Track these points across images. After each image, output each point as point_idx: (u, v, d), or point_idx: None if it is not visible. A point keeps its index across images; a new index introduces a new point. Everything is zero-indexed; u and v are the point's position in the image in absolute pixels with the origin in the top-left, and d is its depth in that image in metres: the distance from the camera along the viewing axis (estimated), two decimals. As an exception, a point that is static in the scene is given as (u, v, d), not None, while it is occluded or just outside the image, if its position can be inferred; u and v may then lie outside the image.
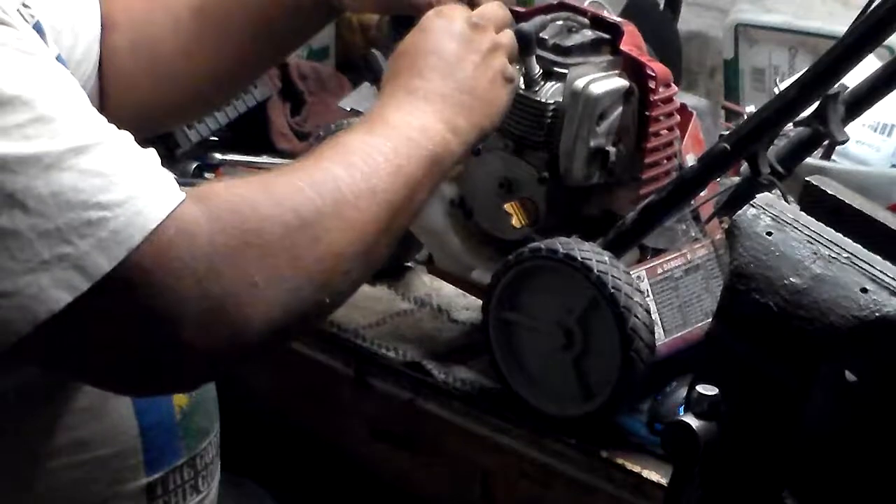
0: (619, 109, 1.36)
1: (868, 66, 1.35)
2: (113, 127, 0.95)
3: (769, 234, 0.99)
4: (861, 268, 0.96)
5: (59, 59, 1.09)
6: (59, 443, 1.09)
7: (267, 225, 0.96)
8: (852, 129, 1.39)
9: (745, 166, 1.33)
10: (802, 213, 1.02)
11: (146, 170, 0.93)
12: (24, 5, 1.04)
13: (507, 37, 1.26)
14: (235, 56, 1.30)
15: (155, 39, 1.30)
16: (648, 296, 1.34)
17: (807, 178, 1.10)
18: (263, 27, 1.30)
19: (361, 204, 1.02)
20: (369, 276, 1.06)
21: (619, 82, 1.36)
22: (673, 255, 1.39)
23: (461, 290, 1.52)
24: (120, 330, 0.92)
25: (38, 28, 1.05)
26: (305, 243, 0.97)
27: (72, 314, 0.90)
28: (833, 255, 0.97)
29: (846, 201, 1.07)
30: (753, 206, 1.01)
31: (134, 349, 0.93)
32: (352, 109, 1.61)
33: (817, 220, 1.01)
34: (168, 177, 0.94)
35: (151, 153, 0.96)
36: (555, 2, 1.42)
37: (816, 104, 1.29)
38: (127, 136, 0.95)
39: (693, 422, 0.97)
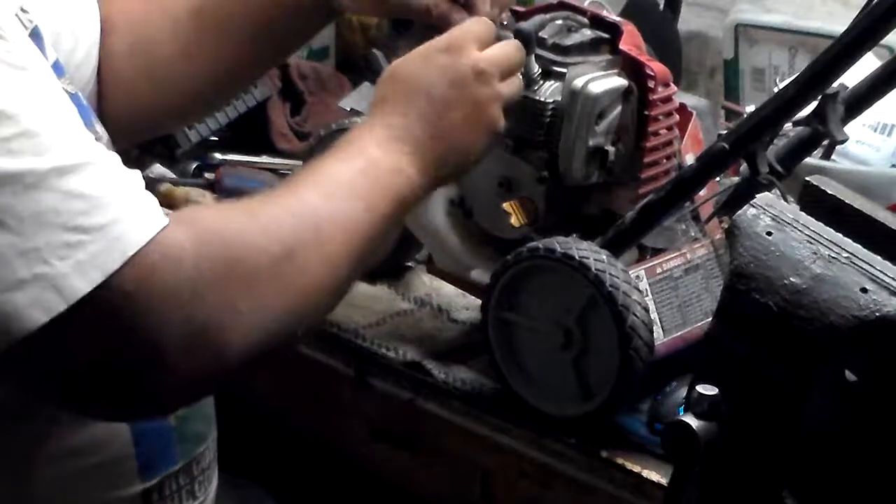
0: (619, 109, 1.36)
1: (868, 66, 1.35)
2: (100, 147, 0.95)
3: (769, 234, 0.99)
4: (861, 268, 0.96)
5: (57, 63, 1.09)
6: (51, 451, 1.09)
7: (253, 253, 0.96)
8: (852, 128, 1.39)
9: (744, 166, 1.33)
10: (802, 213, 1.02)
11: (129, 193, 0.93)
12: (23, 10, 1.03)
13: (511, 86, 1.24)
14: (235, 57, 1.30)
15: (153, 42, 1.29)
16: (648, 295, 1.34)
17: (807, 178, 1.10)
18: (263, 28, 1.30)
19: (337, 237, 1.04)
20: (338, 303, 1.07)
21: (618, 81, 1.36)
22: (672, 255, 1.39)
23: (461, 290, 1.52)
24: (99, 353, 0.91)
25: (36, 33, 1.04)
26: (289, 273, 0.98)
27: (49, 335, 0.89)
28: (833, 255, 0.97)
29: (846, 201, 1.07)
30: (753, 206, 1.01)
31: (113, 373, 0.92)
32: (352, 109, 1.61)
33: (817, 220, 1.01)
34: (151, 200, 0.94)
35: (136, 175, 0.96)
36: (554, 1, 1.42)
37: (816, 104, 1.29)
38: (113, 158, 0.95)
39: (693, 422, 0.97)
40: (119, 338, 0.91)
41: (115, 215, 0.91)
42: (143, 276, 0.90)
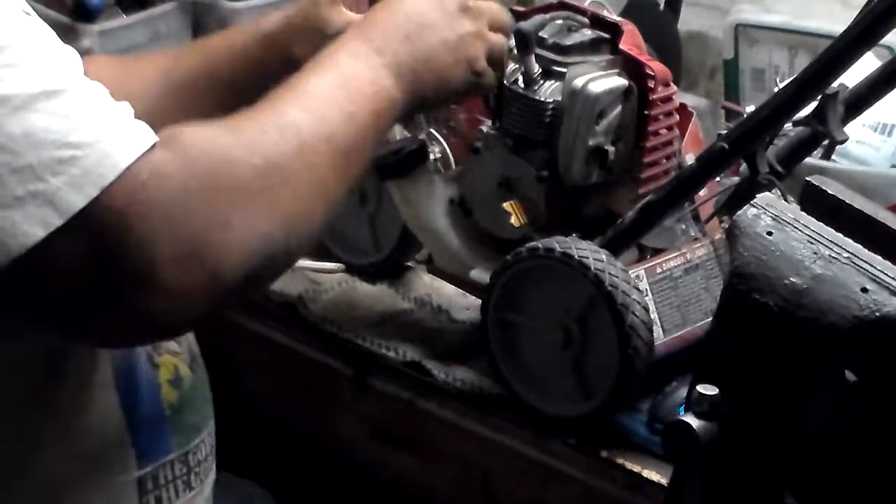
0: (618, 108, 1.36)
1: (868, 66, 1.35)
2: (87, 78, 0.96)
3: (769, 233, 0.99)
4: (861, 268, 0.96)
5: None
6: (44, 435, 1.09)
7: (238, 168, 0.96)
8: (852, 128, 1.39)
9: (744, 166, 1.33)
10: (802, 213, 1.02)
11: (117, 116, 0.94)
12: (26, 13, 1.05)
13: (498, 39, 1.27)
14: (199, 114, 1.32)
15: (126, 99, 1.33)
16: (647, 295, 1.34)
17: (807, 178, 1.10)
18: (228, 86, 1.33)
19: (320, 148, 1.03)
20: (327, 223, 1.07)
21: (618, 81, 1.36)
22: (672, 255, 1.39)
23: (461, 290, 1.52)
24: (94, 270, 0.91)
25: None
26: (275, 186, 0.98)
27: (46, 250, 0.90)
28: (833, 255, 0.97)
29: (846, 201, 1.07)
30: (753, 206, 1.01)
31: (107, 290, 0.92)
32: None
33: (817, 220, 1.01)
34: (141, 125, 0.95)
35: (125, 105, 0.96)
36: (554, 1, 1.42)
37: (816, 104, 1.29)
38: (100, 87, 0.96)
39: (693, 422, 0.97)
40: (112, 254, 0.91)
41: (105, 132, 0.92)
42: (132, 192, 0.91)
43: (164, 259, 0.91)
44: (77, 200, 0.90)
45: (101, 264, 0.91)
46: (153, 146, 0.93)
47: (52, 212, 0.90)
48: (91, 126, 0.92)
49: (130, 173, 0.91)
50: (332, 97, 1.07)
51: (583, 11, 1.41)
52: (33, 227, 0.90)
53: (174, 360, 1.19)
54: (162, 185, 0.92)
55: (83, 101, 0.93)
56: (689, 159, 1.40)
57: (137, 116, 1.31)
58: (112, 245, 0.91)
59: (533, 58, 1.36)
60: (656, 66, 1.37)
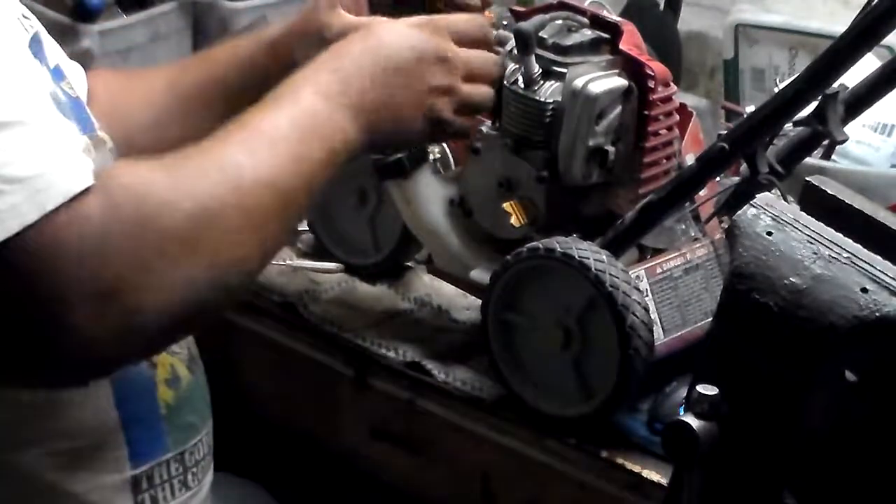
0: (618, 109, 1.36)
1: (868, 66, 1.35)
2: (39, 107, 0.95)
3: (769, 234, 0.99)
4: (861, 268, 0.96)
5: (57, 69, 1.10)
6: (38, 432, 1.09)
7: (165, 211, 0.95)
8: (852, 129, 1.39)
9: (744, 166, 1.33)
10: (802, 213, 1.02)
11: (59, 154, 0.93)
12: (24, 16, 1.05)
13: (473, 91, 1.24)
14: (202, 124, 1.31)
15: (131, 110, 1.34)
16: (647, 295, 1.34)
17: (807, 178, 1.10)
18: (233, 95, 1.31)
19: (260, 191, 1.02)
20: (262, 270, 1.06)
21: (618, 81, 1.36)
22: (672, 255, 1.39)
23: (461, 290, 1.52)
24: (8, 306, 0.91)
25: (36, 39, 1.06)
26: (203, 230, 0.97)
27: None
28: (833, 255, 0.97)
29: (846, 201, 1.07)
30: (753, 206, 1.01)
31: (22, 328, 0.92)
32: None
33: (817, 220, 1.01)
34: (82, 165, 0.93)
35: (77, 140, 0.96)
36: (554, 1, 1.42)
37: (816, 104, 1.29)
38: (55, 119, 0.95)
39: (693, 422, 0.97)
40: (27, 291, 0.90)
41: (39, 171, 0.91)
42: (53, 233, 0.90)
43: (77, 300, 0.90)
44: None
45: (16, 301, 0.91)
46: (86, 189, 0.92)
47: None
48: (27, 163, 0.91)
49: (55, 214, 0.90)
50: (284, 137, 1.05)
51: (583, 11, 1.41)
52: None
53: (172, 359, 1.19)
54: (81, 228, 0.91)
55: (26, 135, 0.92)
56: (689, 159, 1.40)
57: (144, 127, 1.29)
58: (27, 282, 0.90)
59: (533, 58, 1.36)
60: (656, 66, 1.37)
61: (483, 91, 1.26)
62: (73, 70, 1.25)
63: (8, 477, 1.09)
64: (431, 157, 1.49)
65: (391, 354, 1.48)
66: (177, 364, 1.19)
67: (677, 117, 1.40)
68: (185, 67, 1.41)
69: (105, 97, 1.30)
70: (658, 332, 1.33)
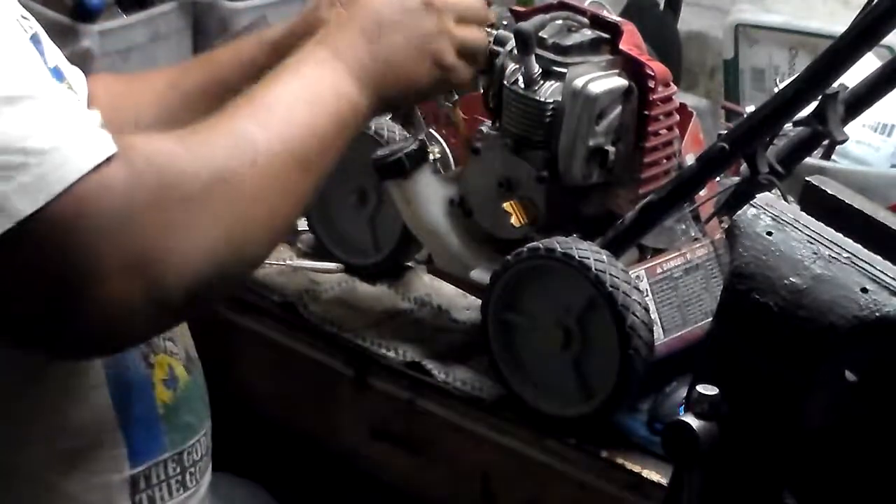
0: (619, 109, 1.36)
1: (868, 66, 1.35)
2: (55, 84, 0.96)
3: (769, 233, 0.99)
4: (861, 268, 0.96)
5: (56, 69, 1.11)
6: (36, 430, 1.09)
7: (185, 180, 0.96)
8: (852, 128, 1.39)
9: (744, 166, 1.33)
10: (802, 213, 1.02)
11: (77, 127, 0.94)
12: (24, 17, 1.06)
13: (469, 31, 1.27)
14: None
15: (136, 110, 1.34)
16: (648, 295, 1.34)
17: (807, 178, 1.10)
18: (234, 95, 1.32)
19: (275, 160, 1.03)
20: (284, 237, 1.06)
21: (618, 81, 1.36)
22: (672, 255, 1.39)
23: (461, 290, 1.52)
24: (38, 278, 0.92)
25: (35, 39, 1.06)
26: (222, 199, 0.98)
27: None
28: (833, 255, 0.97)
29: (846, 201, 1.07)
30: (753, 206, 1.01)
31: (51, 299, 0.92)
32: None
33: (817, 220, 1.01)
34: (101, 136, 0.94)
35: (92, 115, 0.96)
36: (555, 1, 1.42)
37: (816, 104, 1.29)
38: (66, 94, 0.96)
39: (693, 422, 0.97)
40: (56, 263, 0.91)
41: (60, 143, 0.92)
42: (80, 203, 0.91)
43: (106, 270, 0.91)
44: (25, 207, 0.90)
45: (46, 272, 0.91)
46: (107, 159, 0.93)
47: (1, 215, 0.90)
48: (46, 135, 0.92)
49: (79, 185, 0.91)
50: (292, 106, 1.07)
51: (583, 11, 1.41)
52: None
53: (169, 360, 1.19)
54: (107, 198, 0.92)
55: (44, 109, 0.93)
56: (689, 159, 1.40)
57: (145, 129, 1.31)
58: (57, 254, 0.91)
59: (533, 58, 1.36)
60: (656, 66, 1.37)
61: (476, 33, 1.28)
62: (74, 73, 1.25)
63: (6, 476, 1.09)
64: (431, 157, 1.49)
65: (391, 354, 1.48)
66: (174, 364, 1.20)
67: (677, 117, 1.40)
68: (187, 69, 1.41)
69: (106, 100, 1.30)
70: (658, 332, 1.33)
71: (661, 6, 2.03)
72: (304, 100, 1.08)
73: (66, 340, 0.96)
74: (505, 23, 1.43)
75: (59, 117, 0.94)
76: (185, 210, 0.95)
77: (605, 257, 1.29)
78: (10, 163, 0.90)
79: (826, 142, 1.47)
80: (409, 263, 1.64)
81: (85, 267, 0.91)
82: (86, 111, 0.96)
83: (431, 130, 1.53)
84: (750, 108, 1.57)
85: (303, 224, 1.68)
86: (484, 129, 1.44)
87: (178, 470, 1.18)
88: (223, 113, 1.05)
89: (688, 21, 2.10)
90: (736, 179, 1.41)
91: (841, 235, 0.99)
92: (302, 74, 1.11)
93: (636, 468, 1.30)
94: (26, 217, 0.90)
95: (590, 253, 1.29)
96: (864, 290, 0.95)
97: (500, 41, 1.40)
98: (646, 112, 1.37)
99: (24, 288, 0.92)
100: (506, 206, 1.40)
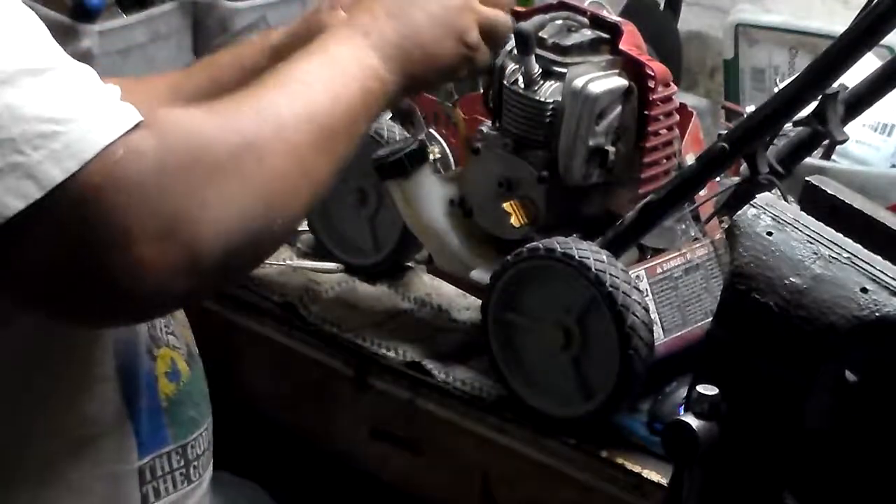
0: (619, 109, 1.36)
1: (868, 66, 1.35)
2: (73, 60, 0.97)
3: (769, 233, 0.99)
4: (861, 268, 0.96)
5: None
6: (45, 423, 1.10)
7: (214, 145, 0.97)
8: (852, 128, 1.39)
9: (744, 166, 1.33)
10: (802, 213, 1.02)
11: (102, 96, 0.95)
12: None
13: (490, 11, 1.27)
14: None
15: None
16: (648, 295, 1.34)
17: (807, 178, 1.10)
18: None
19: (301, 128, 1.04)
20: (315, 202, 1.07)
21: (618, 81, 1.36)
22: (672, 255, 1.39)
23: (461, 290, 1.52)
24: (72, 244, 0.92)
25: None
26: (251, 163, 0.99)
27: (25, 223, 0.91)
28: (833, 255, 0.97)
29: (846, 201, 1.07)
30: (754, 206, 1.01)
31: (86, 265, 0.93)
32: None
33: (817, 220, 1.01)
34: (126, 105, 0.95)
35: (113, 87, 0.97)
36: (554, 1, 1.42)
37: (816, 104, 1.29)
38: (87, 68, 0.97)
39: (693, 422, 0.97)
40: (90, 229, 0.91)
41: (88, 110, 0.93)
42: (111, 168, 0.91)
43: (139, 234, 0.92)
44: (57, 174, 0.90)
45: (79, 239, 0.92)
46: (134, 126, 0.94)
47: (32, 184, 0.90)
48: (74, 103, 0.93)
49: (109, 150, 0.92)
50: (316, 79, 1.08)
51: (583, 11, 1.41)
52: (13, 199, 0.90)
53: (172, 353, 1.19)
54: (138, 163, 0.92)
55: (67, 79, 0.94)
56: (689, 159, 1.40)
57: None
58: (90, 220, 0.91)
59: (533, 58, 1.36)
60: (656, 66, 1.37)
61: (500, 14, 1.29)
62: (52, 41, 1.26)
63: (17, 466, 1.10)
64: (431, 157, 1.49)
65: (391, 354, 1.48)
66: (177, 358, 1.20)
67: (677, 117, 1.40)
68: (189, 74, 1.42)
69: None
70: (658, 332, 1.33)
71: (661, 6, 2.03)
72: (329, 74, 1.09)
73: (100, 307, 0.96)
74: (505, 23, 1.43)
75: (84, 87, 0.94)
76: (216, 174, 0.96)
77: (604, 257, 1.29)
78: (41, 131, 0.91)
79: (826, 142, 1.47)
80: (409, 263, 1.64)
81: (118, 231, 0.91)
82: (106, 84, 0.97)
83: (431, 130, 1.53)
84: (750, 108, 1.57)
85: (303, 224, 1.68)
86: (484, 129, 1.44)
87: (182, 463, 1.19)
88: (248, 87, 1.06)
89: (688, 21, 2.10)
90: (736, 179, 1.41)
91: (841, 235, 0.99)
92: (327, 51, 1.12)
93: (636, 468, 1.30)
94: (58, 184, 0.90)
95: (590, 253, 1.29)
96: (864, 290, 0.95)
97: (499, 41, 1.39)
98: (646, 112, 1.37)
99: (57, 256, 0.92)
100: (506, 206, 1.40)
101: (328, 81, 1.08)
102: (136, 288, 0.93)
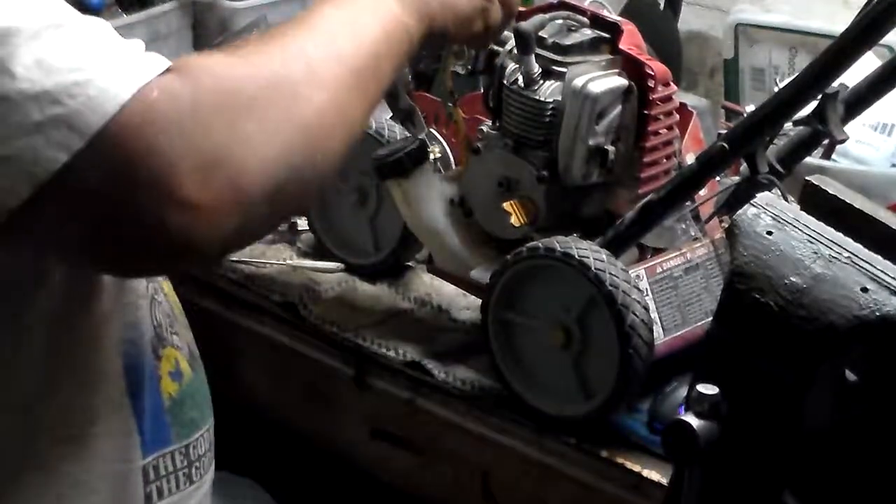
0: (618, 108, 1.36)
1: (868, 66, 1.35)
2: (90, 17, 0.97)
3: (769, 233, 0.99)
4: (861, 267, 0.96)
5: None
6: (52, 417, 1.10)
7: (246, 82, 0.97)
8: (852, 128, 1.39)
9: (744, 166, 1.33)
10: (802, 212, 1.02)
11: (126, 45, 0.96)
12: None
13: None
14: None
15: None
16: (647, 295, 1.34)
17: (807, 178, 1.10)
18: None
19: (330, 67, 1.03)
20: (353, 139, 1.06)
21: (618, 81, 1.36)
22: (672, 255, 1.39)
23: (461, 290, 1.52)
24: (118, 188, 0.92)
25: None
26: (286, 99, 0.99)
27: (70, 175, 0.91)
28: (833, 254, 0.97)
29: (846, 201, 1.07)
30: (754, 206, 1.01)
31: (133, 207, 0.92)
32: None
33: (817, 219, 1.01)
34: (152, 53, 0.95)
35: (136, 41, 0.97)
36: (555, 1, 1.42)
37: (816, 103, 1.29)
38: (105, 23, 0.97)
39: (693, 422, 0.97)
40: (134, 170, 0.91)
41: (116, 56, 0.93)
42: (148, 110, 0.91)
43: (184, 171, 0.91)
44: (96, 120, 0.90)
45: (125, 182, 0.91)
46: (164, 71, 0.94)
47: (73, 134, 0.90)
48: (102, 51, 0.93)
49: (143, 93, 0.91)
50: (338, 22, 1.07)
51: (583, 11, 1.41)
52: (56, 151, 0.90)
53: (176, 353, 1.20)
54: (174, 103, 0.92)
55: (90, 30, 0.94)
56: (689, 159, 1.40)
57: None
58: (133, 161, 0.91)
59: (533, 58, 1.36)
60: (656, 66, 1.37)
61: None
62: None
63: (23, 464, 1.10)
64: (431, 157, 1.49)
65: (391, 354, 1.48)
66: (179, 358, 1.20)
67: (677, 117, 1.40)
68: None
69: None
70: (658, 331, 1.33)
71: (661, 6, 2.03)
72: (349, 15, 1.09)
73: (152, 248, 0.95)
74: (505, 22, 1.43)
75: (108, 37, 0.95)
76: (253, 109, 0.96)
77: (604, 257, 1.29)
78: (74, 80, 0.90)
79: (826, 141, 1.47)
80: (409, 263, 1.64)
81: (162, 168, 0.91)
82: (130, 40, 0.98)
83: (431, 130, 1.53)
84: (750, 108, 1.57)
85: (303, 224, 1.68)
86: (484, 129, 1.44)
87: (185, 463, 1.19)
88: (269, 33, 1.05)
89: (688, 21, 2.10)
90: (736, 179, 1.41)
91: (841, 235, 0.99)
92: None
93: (636, 468, 1.30)
94: (98, 130, 0.90)
95: (589, 252, 1.29)
96: (864, 290, 0.95)
97: (500, 41, 1.40)
98: (646, 112, 1.37)
99: (105, 200, 0.92)
100: (506, 205, 1.40)
101: (350, 25, 1.08)
102: (184, 225, 0.92)
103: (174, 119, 0.92)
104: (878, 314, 0.94)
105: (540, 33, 1.38)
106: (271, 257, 1.65)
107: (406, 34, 1.14)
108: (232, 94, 0.96)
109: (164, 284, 1.22)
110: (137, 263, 1.00)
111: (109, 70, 0.92)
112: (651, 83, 1.36)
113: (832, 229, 0.99)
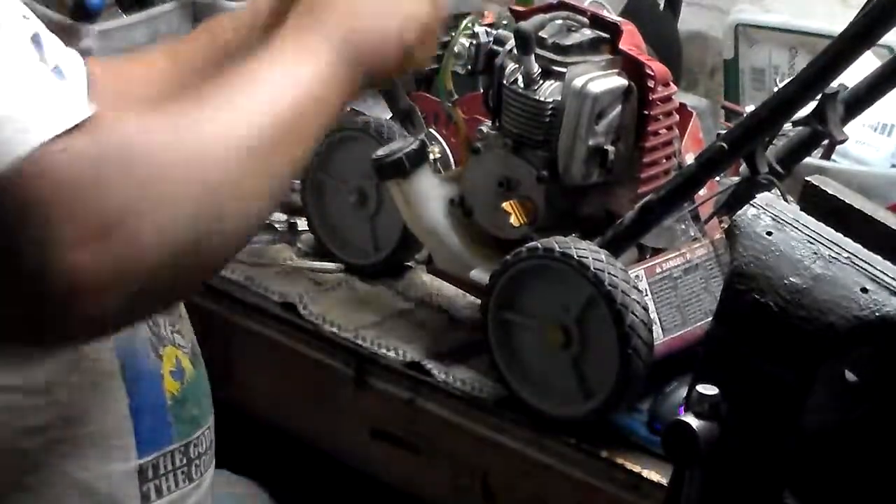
0: (618, 108, 1.36)
1: (868, 66, 1.35)
2: (32, 58, 0.93)
3: (769, 233, 0.99)
4: (861, 268, 0.96)
5: (57, 69, 1.10)
6: (50, 417, 1.09)
7: (157, 150, 0.93)
8: (852, 128, 1.39)
9: (744, 166, 1.33)
10: (802, 212, 1.02)
11: (48, 92, 0.91)
12: (25, 17, 1.05)
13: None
14: None
15: (133, 85, 1.32)
16: (647, 295, 1.34)
17: (806, 178, 1.10)
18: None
19: (258, 136, 1.00)
20: (274, 203, 1.03)
21: (617, 81, 1.36)
22: (672, 255, 1.39)
23: (461, 290, 1.52)
24: (5, 237, 0.87)
25: (35, 39, 1.05)
26: (200, 171, 0.95)
27: None
28: (833, 254, 0.97)
29: (846, 201, 1.07)
30: (753, 206, 1.01)
31: (14, 272, 0.88)
32: (353, 109, 1.62)
33: (817, 220, 1.01)
34: (72, 106, 0.91)
35: (74, 86, 0.94)
36: (554, 1, 1.42)
37: (815, 103, 1.29)
38: (40, 66, 0.93)
39: (693, 422, 0.97)
40: (20, 231, 0.87)
41: (23, 109, 0.89)
42: (45, 169, 0.88)
43: (72, 236, 0.87)
44: (2, 160, 0.87)
45: (8, 242, 0.87)
46: (76, 127, 0.90)
47: None
48: (11, 99, 0.89)
49: (44, 150, 0.88)
50: (274, 83, 1.04)
51: (583, 11, 1.41)
52: None
53: (177, 352, 1.20)
54: (73, 163, 0.88)
55: (10, 71, 0.90)
56: (689, 159, 1.40)
57: (148, 101, 1.28)
58: (21, 221, 0.87)
59: (533, 57, 1.36)
60: (656, 66, 1.37)
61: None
62: (75, 62, 1.24)
63: (16, 463, 1.10)
64: (431, 157, 1.49)
65: (391, 354, 1.48)
66: (181, 357, 1.20)
67: (677, 117, 1.40)
68: (186, 39, 1.39)
69: (107, 78, 1.29)
70: (658, 331, 1.33)
71: (661, 6, 2.03)
72: (265, 64, 1.05)
73: (35, 319, 0.90)
74: (505, 22, 1.43)
75: (28, 82, 0.91)
76: (158, 180, 0.92)
77: (603, 257, 1.29)
78: None
79: (826, 141, 1.47)
80: (409, 263, 1.64)
81: (50, 234, 0.87)
82: (62, 84, 0.93)
83: (431, 130, 1.53)
84: (750, 108, 1.57)
85: (303, 224, 1.68)
86: (484, 129, 1.44)
87: (185, 461, 1.19)
88: (204, 87, 1.02)
89: (688, 21, 2.09)
90: (736, 179, 1.41)
91: (841, 235, 0.99)
92: (267, 47, 1.07)
93: (636, 468, 1.30)
94: (2, 171, 0.86)
95: (589, 252, 1.29)
96: (864, 290, 0.95)
97: (499, 41, 1.40)
98: (646, 112, 1.37)
99: None
100: (506, 206, 1.40)
101: (285, 87, 1.04)
102: (71, 296, 0.88)
103: (70, 180, 0.88)
104: (878, 314, 0.94)
105: (540, 33, 1.38)
106: (271, 257, 1.65)
107: (334, 84, 1.08)
108: (142, 162, 0.91)
109: None
110: (22, 335, 0.95)
111: (13, 121, 0.88)
112: (651, 83, 1.36)
113: (832, 229, 0.99)
